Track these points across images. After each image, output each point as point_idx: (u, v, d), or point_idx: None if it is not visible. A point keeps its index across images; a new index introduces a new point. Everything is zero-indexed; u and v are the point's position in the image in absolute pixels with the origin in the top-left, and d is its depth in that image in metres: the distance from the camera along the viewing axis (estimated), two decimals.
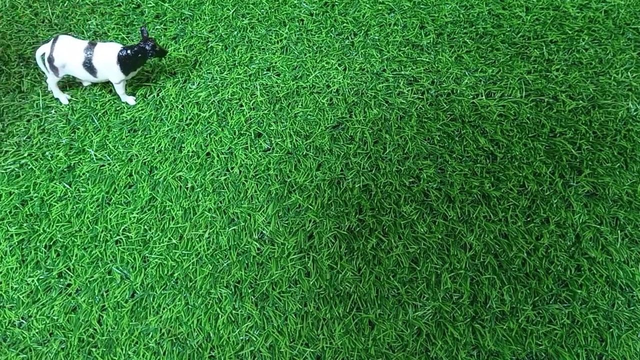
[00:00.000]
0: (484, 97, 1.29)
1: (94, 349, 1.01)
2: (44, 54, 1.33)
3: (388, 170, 1.18)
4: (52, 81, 1.28)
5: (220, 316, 1.03)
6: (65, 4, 1.58)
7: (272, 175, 1.19)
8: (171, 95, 1.33)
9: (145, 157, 1.23)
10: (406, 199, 1.14)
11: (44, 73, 1.39)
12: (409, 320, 1.01)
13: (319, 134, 1.25)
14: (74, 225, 1.14)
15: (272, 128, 1.26)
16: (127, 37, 1.47)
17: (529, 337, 0.99)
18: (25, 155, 1.25)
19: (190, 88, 1.35)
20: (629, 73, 1.32)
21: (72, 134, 1.28)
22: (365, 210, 1.13)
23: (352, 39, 1.43)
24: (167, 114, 1.30)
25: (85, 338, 1.02)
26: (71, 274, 1.09)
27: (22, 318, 1.04)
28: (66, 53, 1.22)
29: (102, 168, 1.22)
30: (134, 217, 1.15)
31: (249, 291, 1.05)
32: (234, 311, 1.03)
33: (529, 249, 1.08)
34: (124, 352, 1.00)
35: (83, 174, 1.21)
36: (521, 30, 1.43)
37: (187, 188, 1.18)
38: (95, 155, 1.24)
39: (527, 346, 0.99)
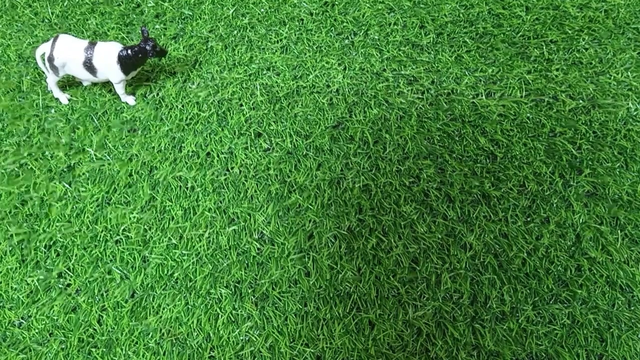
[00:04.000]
0: (484, 96, 1.29)
1: (93, 349, 1.01)
2: (44, 53, 1.33)
3: (388, 170, 1.18)
4: (51, 81, 1.28)
5: (220, 316, 1.03)
6: (65, 4, 1.58)
7: (272, 175, 1.19)
8: (171, 95, 1.33)
9: (145, 157, 1.23)
10: (406, 199, 1.14)
11: (43, 73, 1.39)
12: (409, 320, 1.01)
13: (319, 133, 1.25)
14: (73, 225, 1.14)
15: (272, 128, 1.26)
16: (127, 36, 1.47)
17: (529, 337, 0.99)
18: (25, 155, 1.25)
19: (190, 88, 1.35)
20: (629, 73, 1.32)
21: (72, 134, 1.28)
22: (365, 210, 1.13)
23: (352, 38, 1.43)
24: (167, 113, 1.30)
25: (85, 338, 1.02)
26: (71, 274, 1.09)
27: (22, 318, 1.04)
28: (66, 53, 1.22)
29: (102, 168, 1.22)
30: (134, 217, 1.14)
31: (249, 291, 1.05)
32: (233, 311, 1.03)
33: (529, 249, 1.08)
34: (123, 352, 1.00)
35: (83, 173, 1.21)
36: (521, 30, 1.43)
37: (187, 188, 1.18)
38: (95, 155, 1.24)
39: (527, 346, 0.99)
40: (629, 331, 0.99)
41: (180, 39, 1.46)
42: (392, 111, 1.28)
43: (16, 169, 1.23)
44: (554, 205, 1.13)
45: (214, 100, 1.32)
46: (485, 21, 1.45)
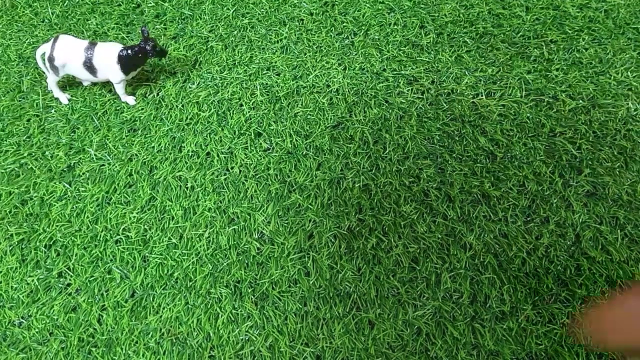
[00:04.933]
0: (484, 96, 1.29)
1: (93, 349, 1.01)
2: (44, 53, 1.33)
3: (388, 170, 1.18)
4: (52, 81, 1.28)
5: (220, 316, 1.03)
6: (65, 4, 1.58)
7: (272, 174, 1.19)
8: (171, 94, 1.33)
9: (145, 157, 1.23)
10: (406, 199, 1.14)
11: (43, 73, 1.39)
12: (409, 319, 1.01)
13: (319, 133, 1.25)
14: (73, 224, 1.14)
15: (272, 128, 1.26)
16: (127, 36, 1.47)
17: (529, 337, 0.99)
18: (25, 154, 1.25)
19: (190, 88, 1.35)
20: (629, 73, 1.32)
21: (72, 134, 1.28)
22: (365, 209, 1.13)
23: (352, 38, 1.43)
24: (167, 113, 1.30)
25: (85, 338, 1.02)
26: (71, 273, 1.09)
27: (22, 317, 1.05)
28: (67, 53, 1.22)
29: (102, 168, 1.22)
30: (134, 216, 1.15)
31: (249, 291, 1.05)
32: (233, 311, 1.03)
33: (528, 249, 1.08)
34: (123, 351, 1.00)
35: (83, 173, 1.21)
36: (521, 30, 1.43)
37: (187, 188, 1.18)
38: (95, 155, 1.24)
39: (526, 346, 0.99)
40: None
41: (180, 39, 1.46)
42: (392, 111, 1.28)
43: (16, 169, 1.23)
44: (554, 205, 1.13)
45: (214, 100, 1.32)
46: (485, 21, 1.45)
